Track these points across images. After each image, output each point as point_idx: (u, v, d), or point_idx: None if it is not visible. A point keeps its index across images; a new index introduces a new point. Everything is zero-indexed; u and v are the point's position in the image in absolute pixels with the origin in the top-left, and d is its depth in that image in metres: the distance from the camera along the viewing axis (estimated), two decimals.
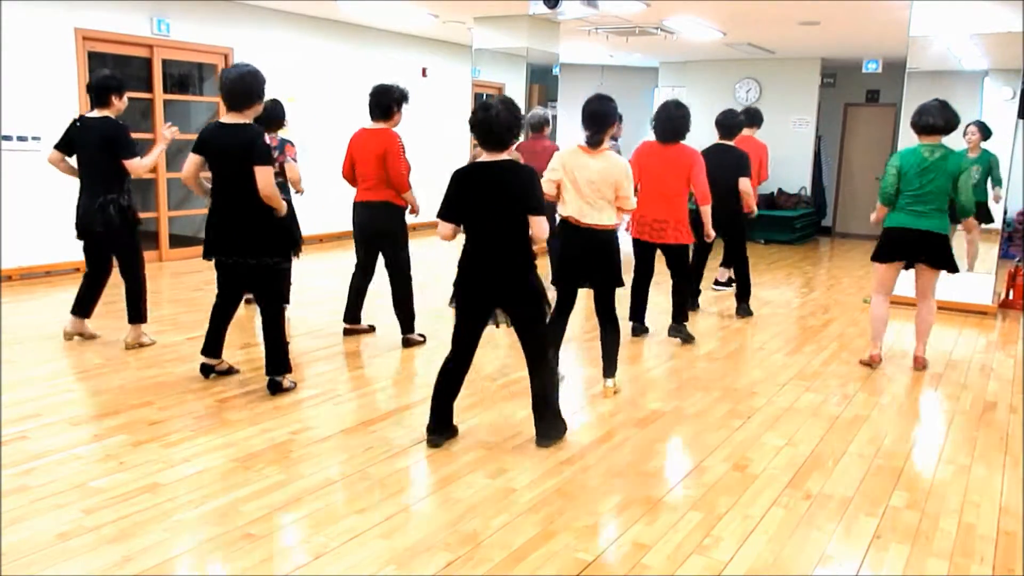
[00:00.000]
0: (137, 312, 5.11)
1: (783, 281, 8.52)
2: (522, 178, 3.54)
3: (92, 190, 4.91)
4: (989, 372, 5.29)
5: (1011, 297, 7.22)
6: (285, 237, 4.37)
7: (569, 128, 8.73)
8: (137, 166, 4.92)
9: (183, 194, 8.65)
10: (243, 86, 4.10)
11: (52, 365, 4.79)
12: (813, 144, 12.30)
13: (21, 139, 7.07)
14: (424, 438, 3.74)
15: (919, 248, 5.00)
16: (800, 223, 11.70)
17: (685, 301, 5.81)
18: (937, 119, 4.89)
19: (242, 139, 4.10)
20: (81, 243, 5.08)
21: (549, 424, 3.79)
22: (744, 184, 6.42)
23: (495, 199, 3.53)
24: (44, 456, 3.46)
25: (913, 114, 5.02)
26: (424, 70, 11.18)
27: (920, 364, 5.24)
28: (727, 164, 6.34)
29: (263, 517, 2.99)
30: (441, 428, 3.74)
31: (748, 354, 5.53)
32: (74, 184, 5.02)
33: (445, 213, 3.63)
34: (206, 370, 4.56)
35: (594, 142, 4.30)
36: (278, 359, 4.35)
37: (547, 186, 4.51)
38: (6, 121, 6.94)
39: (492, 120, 3.48)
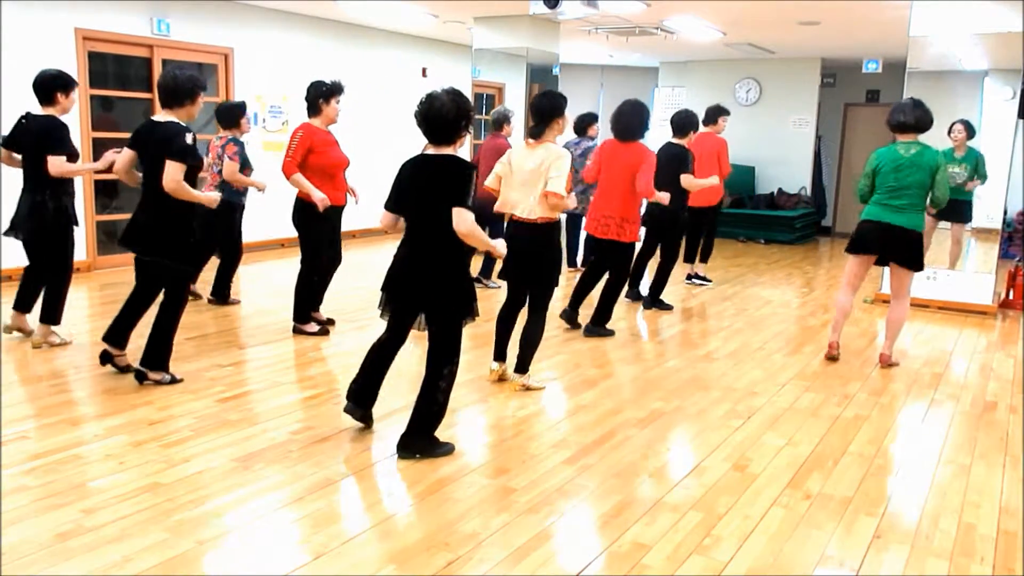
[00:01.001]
0: (52, 313, 5.01)
1: (783, 281, 8.52)
2: (456, 172, 3.44)
3: (31, 188, 4.85)
4: (989, 372, 5.29)
5: (1011, 297, 7.23)
6: (183, 241, 4.32)
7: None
8: (60, 165, 4.76)
9: None
10: (173, 84, 4.22)
11: (53, 365, 4.79)
12: (813, 144, 12.30)
13: None
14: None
15: (891, 243, 5.00)
16: (800, 223, 11.70)
17: (612, 303, 5.84)
18: (908, 117, 4.93)
19: (162, 135, 4.18)
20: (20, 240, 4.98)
21: (416, 437, 3.59)
22: (685, 181, 6.52)
23: (430, 193, 3.45)
24: (44, 456, 3.46)
25: (888, 113, 5.05)
26: (424, 70, 11.18)
27: (885, 362, 5.26)
28: (665, 162, 6.43)
29: (263, 517, 3.00)
30: (363, 399, 3.76)
31: (748, 354, 5.53)
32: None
33: (387, 202, 3.62)
34: (104, 357, 4.54)
35: (533, 133, 4.47)
36: (153, 353, 4.37)
37: (490, 179, 4.59)
38: (6, 121, 6.93)
39: (436, 113, 3.42)
